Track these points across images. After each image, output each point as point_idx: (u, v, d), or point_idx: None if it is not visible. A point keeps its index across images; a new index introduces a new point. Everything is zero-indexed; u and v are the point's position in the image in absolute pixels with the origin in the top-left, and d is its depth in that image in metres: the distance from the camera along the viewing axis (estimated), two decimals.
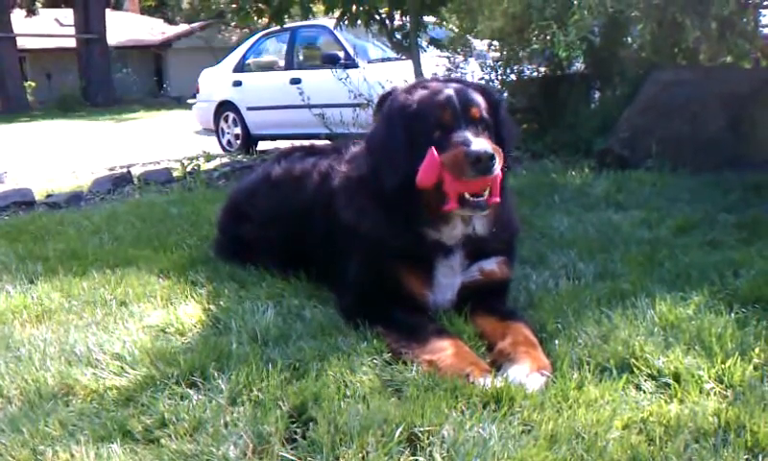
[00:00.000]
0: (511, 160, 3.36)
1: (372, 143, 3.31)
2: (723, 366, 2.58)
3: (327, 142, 5.07)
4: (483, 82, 9.05)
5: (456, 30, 10.06)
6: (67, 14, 35.57)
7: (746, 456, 2.07)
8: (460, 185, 2.92)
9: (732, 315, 3.02)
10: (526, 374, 2.60)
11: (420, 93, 3.15)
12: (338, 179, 3.52)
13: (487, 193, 2.95)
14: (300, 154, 4.21)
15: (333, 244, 3.49)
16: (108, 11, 35.09)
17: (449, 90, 3.09)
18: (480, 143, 2.89)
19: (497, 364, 2.75)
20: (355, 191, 3.33)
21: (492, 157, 2.86)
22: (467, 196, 2.93)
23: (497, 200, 2.99)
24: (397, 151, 3.07)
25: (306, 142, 4.99)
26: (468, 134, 2.94)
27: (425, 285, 3.15)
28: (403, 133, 3.08)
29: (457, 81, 3.38)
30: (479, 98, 3.14)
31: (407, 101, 3.13)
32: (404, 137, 3.07)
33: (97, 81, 33.46)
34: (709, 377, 2.53)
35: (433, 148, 2.93)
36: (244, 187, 4.52)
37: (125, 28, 38.94)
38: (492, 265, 3.24)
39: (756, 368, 2.59)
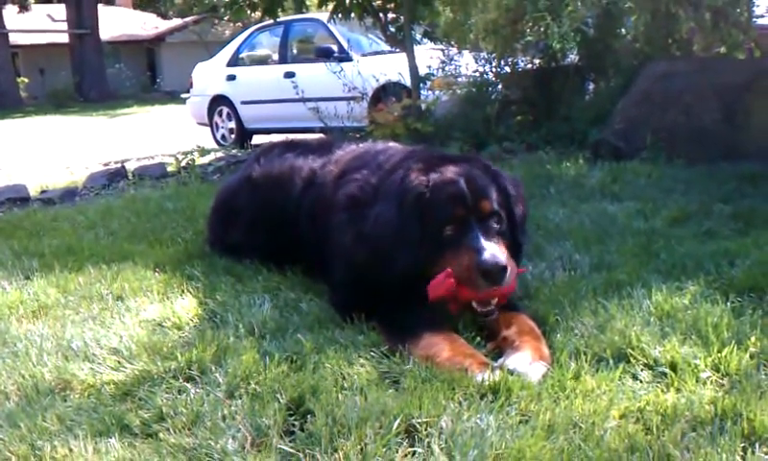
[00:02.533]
0: (523, 239, 3.30)
1: (381, 222, 3.09)
2: (719, 355, 2.59)
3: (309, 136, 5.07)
4: (478, 73, 9.09)
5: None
6: (59, 10, 35.46)
7: (742, 444, 2.08)
8: (470, 294, 2.89)
9: (728, 304, 3.04)
10: (528, 362, 2.61)
11: (434, 179, 3.03)
12: (339, 194, 3.40)
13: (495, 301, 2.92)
14: (279, 150, 4.21)
15: (322, 244, 3.48)
16: (100, 6, 34.95)
17: (462, 181, 3.00)
18: (492, 252, 2.83)
19: (500, 350, 2.77)
20: (359, 220, 3.22)
21: (503, 269, 2.81)
22: (474, 305, 2.92)
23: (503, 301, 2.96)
24: (411, 242, 2.98)
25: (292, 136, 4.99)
26: (481, 237, 2.88)
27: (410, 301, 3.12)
28: (417, 223, 2.98)
29: (467, 160, 3.23)
30: (490, 188, 3.07)
31: (422, 188, 3.02)
32: (418, 228, 2.98)
33: (90, 76, 33.39)
34: (706, 366, 2.55)
35: (449, 272, 2.87)
36: (227, 187, 4.54)
37: (117, 23, 38.86)
38: None
39: (751, 356, 2.60)
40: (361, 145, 3.88)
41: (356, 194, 3.32)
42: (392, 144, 3.95)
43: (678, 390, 2.42)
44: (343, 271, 3.31)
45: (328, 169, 3.66)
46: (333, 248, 3.39)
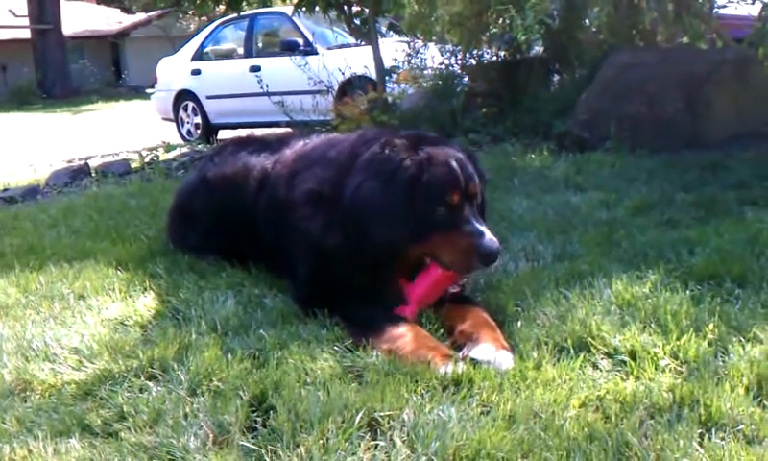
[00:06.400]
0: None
1: (363, 195, 2.98)
2: (678, 342, 2.63)
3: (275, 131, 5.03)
4: (444, 65, 9.11)
5: None
6: (21, 5, 34.85)
7: (699, 430, 2.11)
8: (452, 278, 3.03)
9: (688, 292, 3.07)
10: (495, 350, 2.62)
11: (425, 159, 2.95)
12: (296, 193, 3.35)
13: None
14: (232, 148, 4.19)
15: (282, 242, 3.45)
16: (62, 0, 34.48)
17: (454, 163, 2.97)
18: (490, 236, 2.86)
19: (458, 345, 2.77)
20: (324, 212, 3.18)
21: (499, 252, 2.89)
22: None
23: None
24: (396, 219, 2.91)
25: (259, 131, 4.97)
26: (475, 221, 2.90)
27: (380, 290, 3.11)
28: (406, 203, 2.91)
29: (442, 141, 3.20)
30: (474, 171, 3.06)
31: (414, 169, 2.93)
32: (406, 208, 2.91)
33: (53, 72, 32.92)
34: (665, 354, 2.58)
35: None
36: (184, 189, 4.52)
37: (80, 18, 38.31)
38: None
39: (709, 344, 2.63)
40: (308, 141, 3.82)
41: (315, 188, 3.26)
42: (339, 135, 3.91)
43: (637, 378, 2.45)
44: (308, 264, 3.27)
45: (278, 170, 3.62)
46: (295, 244, 3.35)
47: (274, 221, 3.52)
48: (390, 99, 9.17)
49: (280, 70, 11.52)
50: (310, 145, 3.69)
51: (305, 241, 3.25)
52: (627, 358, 2.56)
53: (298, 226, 3.28)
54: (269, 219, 3.57)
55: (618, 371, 2.52)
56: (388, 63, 9.62)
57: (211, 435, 2.19)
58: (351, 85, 10.42)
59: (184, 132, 13.87)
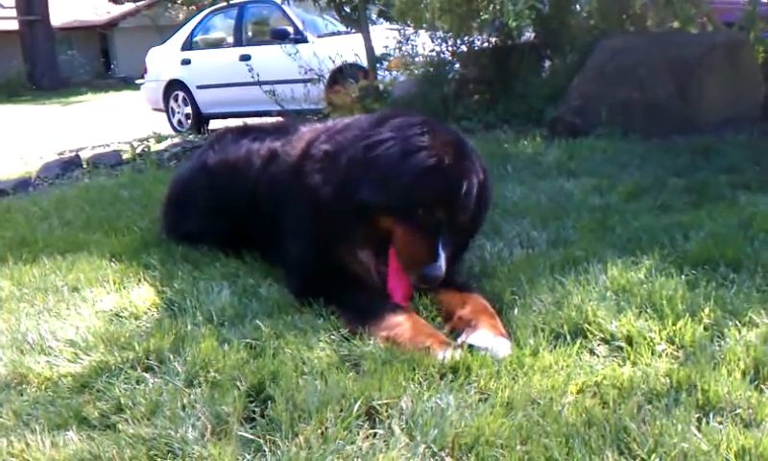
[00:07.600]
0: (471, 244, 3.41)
1: (377, 153, 2.96)
2: (674, 327, 2.63)
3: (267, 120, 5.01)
4: (435, 52, 9.08)
5: None
6: None
7: (697, 415, 2.12)
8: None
9: (683, 277, 3.08)
10: (493, 337, 2.61)
11: (449, 165, 2.90)
12: (316, 149, 3.31)
13: None
14: (233, 136, 4.15)
15: (280, 225, 3.44)
16: None
17: (473, 193, 2.93)
18: (440, 265, 2.84)
19: (457, 331, 2.77)
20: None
21: (438, 280, 2.87)
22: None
23: None
24: (386, 190, 2.88)
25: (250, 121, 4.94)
26: (440, 246, 2.86)
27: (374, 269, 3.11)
28: (405, 182, 2.86)
29: (469, 156, 3.05)
30: (477, 207, 3.02)
31: (433, 161, 2.88)
32: (403, 186, 2.86)
33: (42, 63, 32.72)
34: (661, 339, 2.58)
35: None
36: (182, 176, 4.49)
37: (68, 8, 38.03)
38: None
39: (705, 328, 2.64)
40: (329, 122, 3.82)
41: (330, 149, 3.22)
42: (363, 115, 3.85)
43: (634, 363, 2.46)
44: (300, 225, 3.26)
45: (294, 143, 3.57)
46: (291, 211, 3.35)
47: (276, 194, 3.49)
48: (381, 87, 9.17)
49: (271, 59, 11.48)
50: (333, 123, 3.64)
51: (301, 198, 3.23)
52: (623, 344, 2.56)
53: (300, 183, 3.25)
54: (271, 193, 3.53)
55: (615, 356, 2.52)
56: (379, 51, 9.61)
57: (209, 426, 2.18)
58: (342, 74, 10.39)
59: (175, 122, 13.81)
